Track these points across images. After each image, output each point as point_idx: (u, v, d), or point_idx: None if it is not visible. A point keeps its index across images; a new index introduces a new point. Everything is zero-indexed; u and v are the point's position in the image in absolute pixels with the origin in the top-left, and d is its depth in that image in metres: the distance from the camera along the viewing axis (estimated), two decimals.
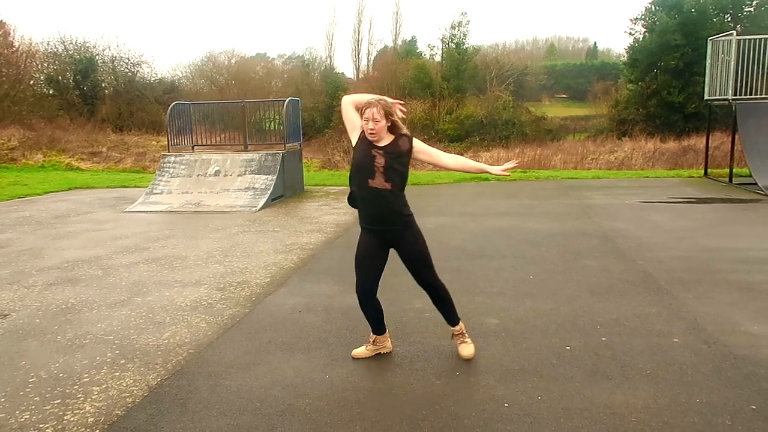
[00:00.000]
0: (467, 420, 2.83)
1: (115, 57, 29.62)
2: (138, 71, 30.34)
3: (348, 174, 3.48)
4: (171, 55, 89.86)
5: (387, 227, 3.36)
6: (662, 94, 27.14)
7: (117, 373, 3.43)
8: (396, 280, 5.16)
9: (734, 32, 11.40)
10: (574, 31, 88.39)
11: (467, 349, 3.52)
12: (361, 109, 3.29)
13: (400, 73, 33.06)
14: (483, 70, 33.89)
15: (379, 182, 3.25)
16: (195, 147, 11.65)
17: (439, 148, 3.53)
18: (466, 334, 3.60)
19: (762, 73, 11.24)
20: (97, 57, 29.00)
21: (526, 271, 5.40)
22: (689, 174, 13.34)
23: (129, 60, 29.88)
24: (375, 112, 3.21)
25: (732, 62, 10.71)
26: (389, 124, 3.27)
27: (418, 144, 3.38)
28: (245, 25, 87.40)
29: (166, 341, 3.90)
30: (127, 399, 3.12)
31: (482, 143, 27.62)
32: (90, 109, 27.01)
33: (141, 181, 13.62)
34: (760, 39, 11.15)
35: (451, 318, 3.57)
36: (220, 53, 37.24)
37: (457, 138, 28.95)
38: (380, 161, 3.24)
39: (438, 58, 35.06)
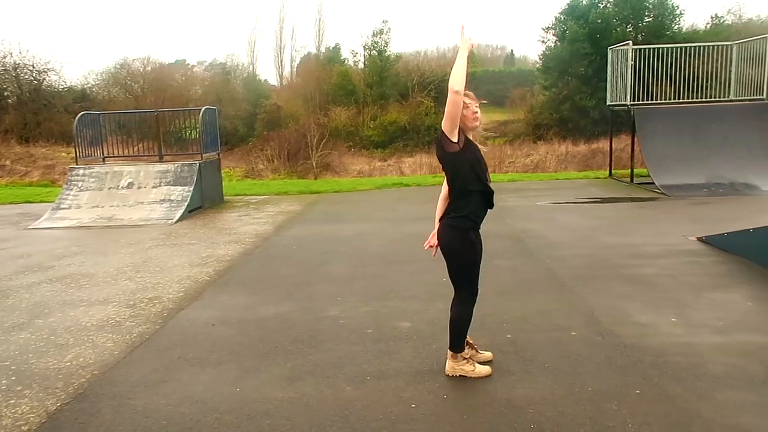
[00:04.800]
0: (374, 423, 2.90)
1: (18, 64, 27.95)
2: (45, 79, 28.78)
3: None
4: (81, 61, 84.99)
5: None
6: (574, 99, 28.61)
7: (12, 401, 3.25)
8: (310, 288, 5.22)
9: (630, 42, 12.22)
10: (492, 39, 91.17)
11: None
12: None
13: (323, 80, 33.11)
14: (405, 77, 34.39)
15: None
16: (106, 158, 11.17)
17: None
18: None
19: (657, 80, 12.13)
20: None
21: (440, 275, 5.53)
22: (596, 175, 14.15)
23: (34, 67, 28.29)
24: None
25: (629, 70, 11.48)
26: None
27: None
28: (162, 30, 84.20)
29: (68, 364, 3.74)
30: (23, 427, 2.97)
31: (406, 149, 28.10)
32: None
33: (48, 195, 12.88)
34: (655, 48, 12.03)
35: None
36: (134, 60, 35.79)
37: (381, 144, 29.28)
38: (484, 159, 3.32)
39: (361, 65, 35.34)
